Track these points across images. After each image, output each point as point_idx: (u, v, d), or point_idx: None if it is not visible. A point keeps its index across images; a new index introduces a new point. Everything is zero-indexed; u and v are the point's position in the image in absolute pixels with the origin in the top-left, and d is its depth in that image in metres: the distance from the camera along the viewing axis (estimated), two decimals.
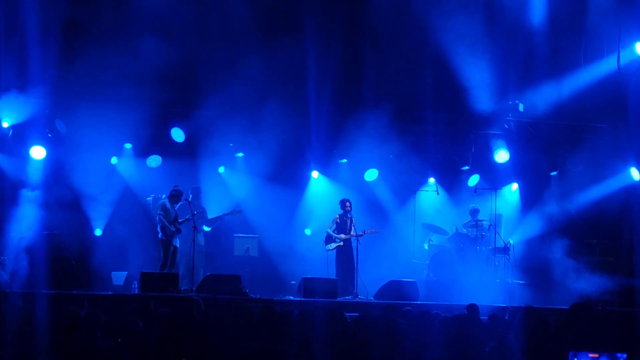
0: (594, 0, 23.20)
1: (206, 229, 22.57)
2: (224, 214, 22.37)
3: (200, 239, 21.96)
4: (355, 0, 22.69)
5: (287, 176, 24.23)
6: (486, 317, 12.74)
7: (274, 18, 22.31)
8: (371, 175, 24.52)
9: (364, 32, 23.11)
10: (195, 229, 20.41)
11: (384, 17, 22.73)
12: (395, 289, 20.44)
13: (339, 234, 21.89)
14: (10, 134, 21.52)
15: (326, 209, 23.41)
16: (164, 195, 21.09)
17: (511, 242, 23.08)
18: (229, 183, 24.13)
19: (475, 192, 23.92)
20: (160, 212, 20.62)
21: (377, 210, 24.24)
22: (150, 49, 21.45)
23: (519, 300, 21.25)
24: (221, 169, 24.18)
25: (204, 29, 22.07)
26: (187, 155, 23.27)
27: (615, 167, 24.13)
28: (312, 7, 22.41)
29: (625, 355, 9.54)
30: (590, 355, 9.51)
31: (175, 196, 20.89)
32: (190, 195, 22.01)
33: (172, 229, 20.64)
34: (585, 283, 22.10)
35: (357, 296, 21.05)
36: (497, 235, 22.84)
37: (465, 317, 12.34)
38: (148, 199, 22.51)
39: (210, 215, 22.43)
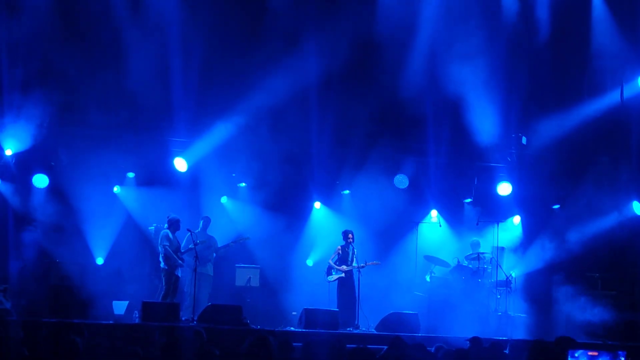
0: (597, 34, 23.29)
1: None
2: (232, 242, 22.33)
3: (210, 269, 21.97)
4: (358, 32, 22.70)
5: (289, 207, 24.23)
6: (488, 350, 12.70)
7: (277, 48, 22.36)
8: (374, 205, 24.49)
9: (366, 64, 23.17)
10: (197, 258, 20.38)
11: (386, 49, 22.81)
12: (396, 321, 20.38)
13: (340, 265, 21.84)
14: (14, 162, 21.54)
15: (328, 240, 23.39)
16: (166, 225, 21.06)
17: (513, 274, 23.01)
18: (232, 213, 24.12)
19: (477, 224, 23.92)
20: (166, 243, 20.59)
21: (379, 241, 24.18)
22: (154, 79, 21.56)
23: (520, 333, 21.21)
24: (224, 199, 24.19)
25: (206, 60, 22.15)
26: (190, 185, 23.27)
27: (618, 200, 24.11)
28: (315, 37, 22.49)
29: (625, 353, 9.55)
30: (590, 353, 9.53)
31: (173, 225, 20.88)
32: (201, 223, 22.04)
33: (177, 259, 20.61)
34: (586, 316, 22.04)
35: (358, 327, 20.99)
36: (498, 267, 22.79)
37: (468, 350, 12.31)
38: (150, 228, 22.47)
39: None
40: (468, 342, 13.26)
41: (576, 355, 9.60)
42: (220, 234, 22.61)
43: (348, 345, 11.57)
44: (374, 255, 22.67)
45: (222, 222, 23.47)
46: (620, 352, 9.60)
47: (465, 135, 23.53)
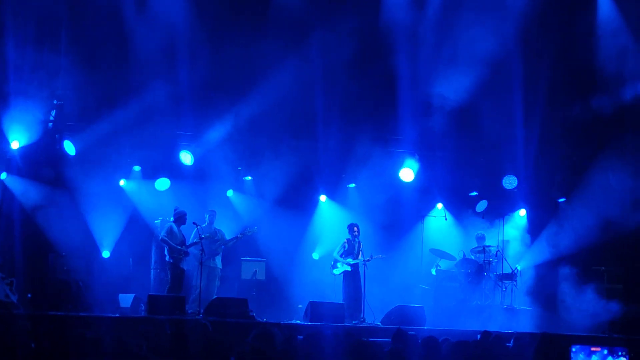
0: (603, 30, 23.27)
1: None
2: (240, 234, 22.28)
3: (218, 262, 21.92)
4: (365, 24, 22.67)
5: (295, 200, 24.21)
6: (492, 343, 12.70)
7: (282, 40, 22.33)
8: (380, 199, 24.49)
9: (372, 57, 23.14)
10: (203, 252, 20.42)
11: (393, 42, 22.79)
12: (402, 314, 20.38)
13: (346, 258, 21.84)
14: (20, 155, 21.53)
15: (334, 234, 23.38)
16: (171, 218, 21.11)
17: (518, 268, 23.01)
18: (237, 206, 24.13)
19: (483, 217, 23.94)
20: (165, 235, 20.69)
21: (385, 235, 24.18)
22: (159, 72, 21.60)
23: (525, 326, 21.22)
24: (229, 192, 24.19)
25: (214, 53, 22.14)
26: (196, 178, 23.28)
27: (624, 193, 24.04)
28: (322, 29, 22.49)
29: (626, 350, 9.72)
30: (592, 349, 9.70)
31: (179, 218, 20.97)
32: (207, 217, 21.98)
33: (180, 251, 20.68)
34: (592, 309, 22.04)
35: (364, 321, 21.01)
36: (504, 261, 22.82)
37: (479, 342, 12.32)
38: (156, 221, 22.52)
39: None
40: (478, 334, 13.25)
41: (573, 350, 9.74)
42: (227, 227, 22.60)
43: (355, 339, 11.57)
44: (379, 248, 22.70)
45: (228, 215, 23.48)
46: (617, 348, 9.74)
47: (471, 129, 23.52)
